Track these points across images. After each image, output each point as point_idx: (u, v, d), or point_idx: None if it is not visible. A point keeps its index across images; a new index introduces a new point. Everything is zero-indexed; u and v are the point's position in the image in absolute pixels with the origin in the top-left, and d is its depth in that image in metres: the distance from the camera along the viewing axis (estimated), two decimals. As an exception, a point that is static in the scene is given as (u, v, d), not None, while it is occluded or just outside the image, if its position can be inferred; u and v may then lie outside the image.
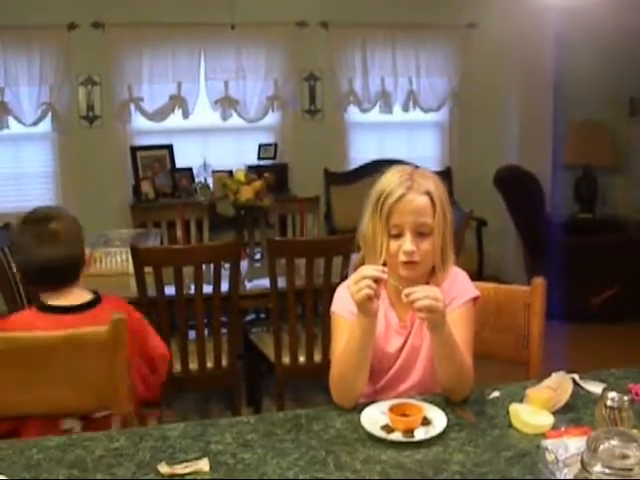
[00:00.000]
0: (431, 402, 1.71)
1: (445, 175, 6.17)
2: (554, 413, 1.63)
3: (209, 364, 3.36)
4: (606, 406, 1.46)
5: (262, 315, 4.31)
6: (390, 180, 1.84)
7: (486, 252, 6.00)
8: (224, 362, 3.38)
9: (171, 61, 5.70)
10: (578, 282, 5.10)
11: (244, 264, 3.94)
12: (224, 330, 3.41)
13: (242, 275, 3.81)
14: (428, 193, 1.82)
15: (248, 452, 1.50)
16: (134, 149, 5.79)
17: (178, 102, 5.75)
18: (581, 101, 6.26)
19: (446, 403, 1.74)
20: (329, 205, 6.02)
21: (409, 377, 1.90)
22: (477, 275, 5.68)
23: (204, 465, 1.44)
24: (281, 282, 3.30)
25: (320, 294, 3.30)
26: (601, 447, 1.12)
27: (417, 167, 1.94)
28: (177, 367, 3.31)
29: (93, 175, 5.64)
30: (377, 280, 1.66)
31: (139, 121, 5.80)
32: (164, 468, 1.43)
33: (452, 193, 6.13)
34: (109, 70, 5.60)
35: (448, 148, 6.48)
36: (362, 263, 1.86)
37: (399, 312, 1.91)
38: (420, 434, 1.56)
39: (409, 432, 1.56)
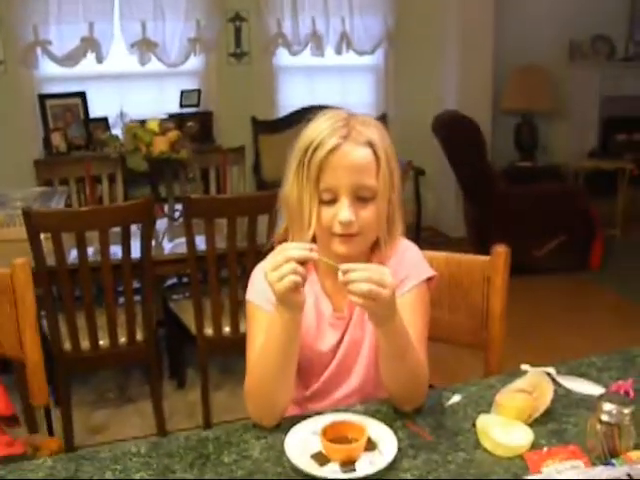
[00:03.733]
0: (376, 413, 1.36)
1: (381, 122, 5.84)
2: (531, 424, 1.30)
3: (122, 339, 2.99)
4: (601, 421, 1.13)
5: (185, 279, 3.94)
6: (320, 128, 1.43)
7: (424, 202, 5.73)
8: (139, 336, 3.02)
9: (81, -2, 5.15)
10: (519, 233, 4.91)
11: (162, 223, 3.56)
12: (139, 298, 3.04)
13: (160, 237, 3.45)
14: (370, 144, 1.43)
15: (130, 503, 1.13)
16: (43, 97, 5.26)
17: (90, 45, 5.21)
18: (521, 44, 6.01)
19: (395, 413, 1.38)
20: (258, 156, 5.63)
21: (348, 380, 1.53)
22: (415, 227, 5.41)
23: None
24: (202, 244, 2.94)
25: (244, 258, 2.95)
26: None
27: (355, 113, 1.52)
28: (85, 344, 2.94)
29: (-2, 126, 5.12)
30: (304, 262, 1.26)
31: (48, 66, 5.26)
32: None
33: (388, 141, 5.84)
34: (11, 9, 5.00)
35: (384, 93, 6.12)
36: (285, 238, 1.47)
37: (334, 299, 1.52)
38: (364, 466, 1.20)
39: (349, 463, 1.20)
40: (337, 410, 1.41)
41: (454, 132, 5.19)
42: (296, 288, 1.26)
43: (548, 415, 1.36)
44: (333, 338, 1.52)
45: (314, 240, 1.45)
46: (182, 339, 3.43)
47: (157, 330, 3.41)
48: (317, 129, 1.43)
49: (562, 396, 1.44)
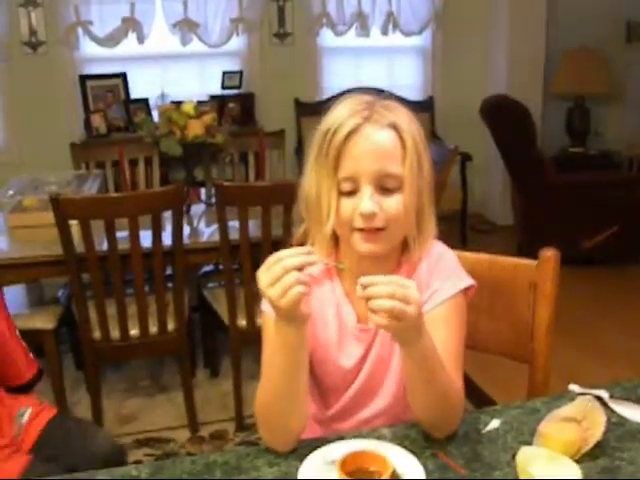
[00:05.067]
0: (404, 439, 1.21)
1: (427, 105, 5.74)
2: (579, 459, 1.13)
3: (153, 329, 2.91)
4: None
5: (221, 267, 3.85)
6: (340, 112, 1.29)
7: (470, 189, 5.54)
8: (170, 326, 2.93)
9: (122, -23, 5.07)
10: (569, 222, 4.73)
11: (200, 208, 3.47)
12: (172, 285, 2.96)
13: (195, 222, 3.36)
14: (394, 127, 1.27)
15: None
16: (83, 78, 5.21)
17: (132, 25, 5.13)
18: (575, 26, 5.75)
19: (425, 440, 1.23)
20: (300, 139, 5.50)
21: (374, 400, 1.37)
22: (461, 214, 5.24)
23: None
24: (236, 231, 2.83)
25: (280, 247, 2.83)
26: None
27: (383, 94, 1.35)
28: (115, 333, 2.86)
29: (39, 108, 5.06)
30: (302, 269, 1.11)
31: (88, 47, 5.20)
32: None
33: (434, 124, 5.70)
34: (52, -12, 4.97)
35: (431, 75, 5.92)
36: (304, 241, 1.32)
37: (358, 306, 1.34)
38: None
39: (369, 500, 1.05)
40: (360, 435, 1.27)
41: (503, 117, 5.00)
42: (302, 300, 1.11)
43: (599, 449, 1.18)
44: (357, 352, 1.37)
45: (336, 239, 1.32)
46: (216, 327, 3.34)
47: (192, 316, 3.33)
48: (337, 113, 1.30)
49: (615, 425, 1.27)
